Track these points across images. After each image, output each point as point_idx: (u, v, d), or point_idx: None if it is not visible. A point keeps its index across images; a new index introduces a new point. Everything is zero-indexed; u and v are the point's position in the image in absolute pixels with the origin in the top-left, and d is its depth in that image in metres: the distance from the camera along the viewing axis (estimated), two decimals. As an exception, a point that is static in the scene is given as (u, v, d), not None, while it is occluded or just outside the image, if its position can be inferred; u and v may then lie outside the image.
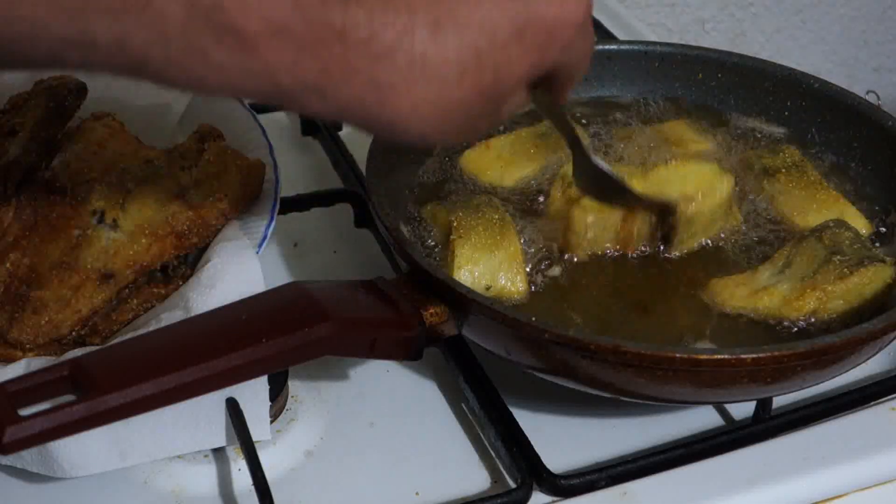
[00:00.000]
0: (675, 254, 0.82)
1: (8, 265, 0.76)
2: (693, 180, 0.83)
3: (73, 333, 0.76)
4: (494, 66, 0.58)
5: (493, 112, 0.62)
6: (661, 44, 1.00)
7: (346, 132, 1.05)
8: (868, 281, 0.77)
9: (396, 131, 0.59)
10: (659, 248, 0.82)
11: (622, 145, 0.93)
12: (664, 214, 0.81)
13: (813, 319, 0.77)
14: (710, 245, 0.84)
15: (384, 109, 0.57)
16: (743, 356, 0.68)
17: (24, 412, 0.58)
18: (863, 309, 0.77)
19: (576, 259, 0.82)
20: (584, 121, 0.95)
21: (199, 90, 0.55)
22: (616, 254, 0.83)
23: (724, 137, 0.95)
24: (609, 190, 0.77)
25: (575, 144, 0.74)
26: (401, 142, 0.61)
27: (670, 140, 0.93)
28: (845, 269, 0.77)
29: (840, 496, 0.73)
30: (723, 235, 0.85)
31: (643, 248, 0.82)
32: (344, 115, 0.58)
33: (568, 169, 0.86)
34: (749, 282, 0.80)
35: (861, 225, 0.85)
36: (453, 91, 0.57)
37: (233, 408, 0.72)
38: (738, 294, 0.79)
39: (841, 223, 0.82)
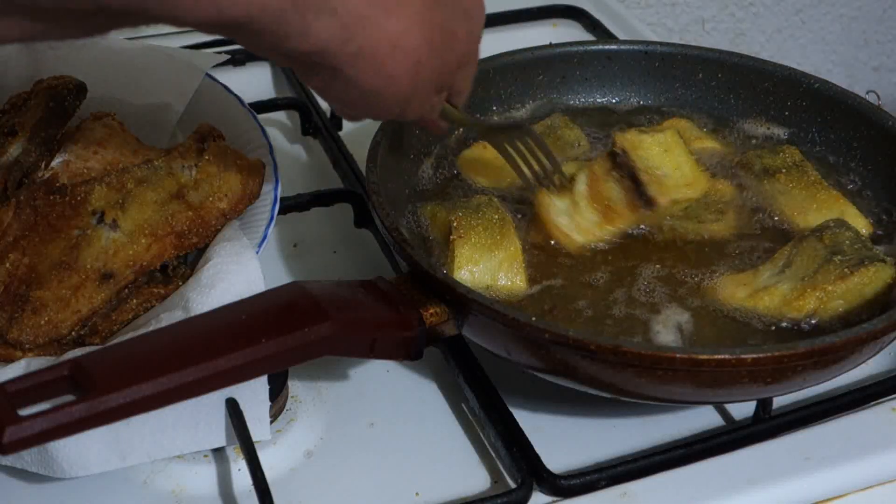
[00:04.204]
0: (668, 220, 0.84)
1: (8, 265, 0.76)
2: (650, 144, 0.86)
3: (73, 333, 0.76)
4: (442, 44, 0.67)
5: (429, 94, 0.70)
6: (661, 44, 1.00)
7: (346, 132, 1.05)
8: (868, 281, 0.77)
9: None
10: (644, 208, 0.84)
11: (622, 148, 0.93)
12: (632, 174, 0.84)
13: (813, 319, 0.77)
14: (710, 243, 0.84)
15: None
16: (743, 356, 0.68)
17: (24, 412, 0.58)
18: (863, 309, 0.77)
19: (573, 258, 0.82)
20: (587, 132, 0.95)
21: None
22: (616, 242, 0.84)
23: (724, 137, 0.96)
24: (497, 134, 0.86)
25: (475, 123, 0.87)
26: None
27: None
28: (846, 269, 0.77)
29: (840, 496, 0.73)
30: (723, 234, 0.85)
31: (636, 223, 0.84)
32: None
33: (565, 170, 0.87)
34: (749, 282, 0.80)
35: (861, 225, 0.85)
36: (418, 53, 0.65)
37: (233, 408, 0.72)
38: (738, 294, 0.79)
39: (841, 223, 0.82)
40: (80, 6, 0.55)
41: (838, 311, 0.77)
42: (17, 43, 0.60)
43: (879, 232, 0.86)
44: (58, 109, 0.85)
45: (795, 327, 0.77)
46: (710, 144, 0.94)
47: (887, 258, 0.80)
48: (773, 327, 0.77)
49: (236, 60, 1.15)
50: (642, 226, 0.85)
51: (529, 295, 0.79)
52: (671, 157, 0.86)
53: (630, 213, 0.85)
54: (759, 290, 0.79)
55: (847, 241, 0.80)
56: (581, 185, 0.85)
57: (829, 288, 0.77)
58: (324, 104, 1.08)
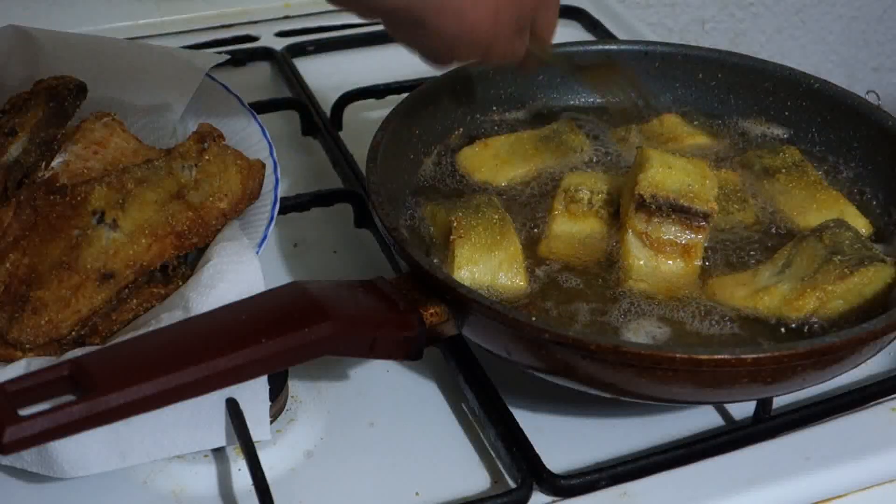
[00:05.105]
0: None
1: (8, 265, 0.76)
2: (657, 172, 0.83)
3: (73, 333, 0.76)
4: None
5: (509, 38, 0.76)
6: (661, 44, 1.00)
7: (346, 132, 1.05)
8: (868, 281, 0.77)
9: None
10: (705, 223, 0.82)
11: (619, 147, 0.93)
12: (674, 205, 0.82)
13: (813, 319, 0.77)
14: (711, 244, 0.84)
15: None
16: (743, 356, 0.68)
17: (24, 412, 0.58)
18: (863, 309, 0.77)
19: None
20: (583, 127, 0.95)
21: None
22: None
23: (724, 137, 0.96)
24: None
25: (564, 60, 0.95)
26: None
27: (665, 136, 0.94)
28: (845, 269, 0.77)
29: (840, 496, 0.73)
30: (751, 221, 0.85)
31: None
32: None
33: (569, 181, 0.86)
34: (749, 282, 0.80)
35: (861, 225, 0.85)
36: None
37: (233, 408, 0.72)
38: (738, 294, 0.79)
39: (841, 223, 0.82)
40: None
41: (838, 311, 0.77)
42: None
43: (879, 232, 0.86)
44: (58, 109, 0.85)
45: (795, 327, 0.77)
46: (702, 140, 0.94)
47: (887, 258, 0.80)
48: (773, 327, 0.77)
49: (236, 60, 1.15)
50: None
51: (530, 294, 0.79)
52: (680, 168, 0.83)
53: (697, 237, 0.82)
54: (758, 290, 0.79)
55: (847, 241, 0.80)
56: (637, 252, 0.81)
57: (829, 288, 0.77)
58: (324, 104, 1.08)
